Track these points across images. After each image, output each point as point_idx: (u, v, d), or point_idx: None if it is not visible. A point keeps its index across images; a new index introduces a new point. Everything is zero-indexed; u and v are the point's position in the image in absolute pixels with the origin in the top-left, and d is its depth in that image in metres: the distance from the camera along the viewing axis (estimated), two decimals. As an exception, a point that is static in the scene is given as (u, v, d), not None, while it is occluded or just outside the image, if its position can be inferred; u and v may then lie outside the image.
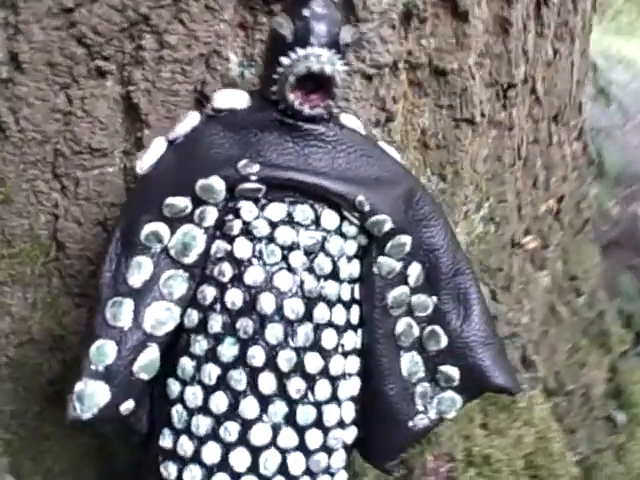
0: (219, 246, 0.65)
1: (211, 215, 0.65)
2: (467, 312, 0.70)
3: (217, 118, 0.67)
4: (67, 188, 0.84)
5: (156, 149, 0.68)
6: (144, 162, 0.68)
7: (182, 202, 0.64)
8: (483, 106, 0.92)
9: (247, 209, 0.65)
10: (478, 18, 0.90)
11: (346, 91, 0.81)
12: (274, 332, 0.64)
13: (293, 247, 0.65)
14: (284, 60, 0.63)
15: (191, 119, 0.68)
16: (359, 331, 0.69)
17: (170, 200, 0.64)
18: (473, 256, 0.95)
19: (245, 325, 0.64)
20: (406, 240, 0.67)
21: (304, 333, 0.65)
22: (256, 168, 0.64)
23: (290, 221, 0.65)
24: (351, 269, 0.68)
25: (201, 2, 0.79)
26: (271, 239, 0.65)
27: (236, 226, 0.65)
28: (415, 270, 0.69)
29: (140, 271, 0.65)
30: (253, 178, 0.64)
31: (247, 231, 0.65)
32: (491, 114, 0.95)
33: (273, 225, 0.65)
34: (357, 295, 0.69)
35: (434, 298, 0.70)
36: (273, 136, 0.66)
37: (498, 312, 0.94)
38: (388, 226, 0.66)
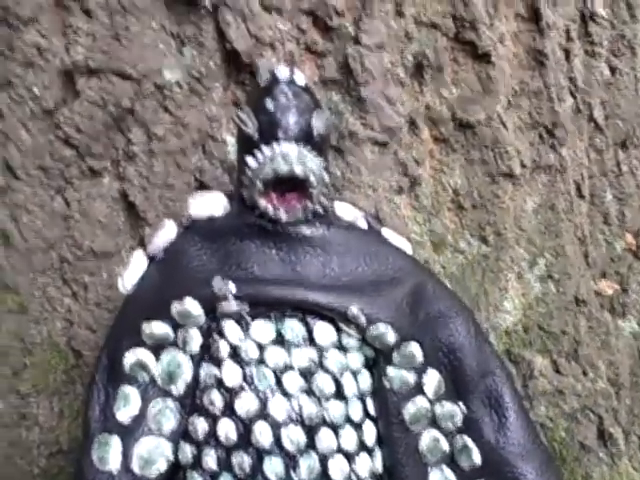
0: (207, 371, 0.58)
1: (195, 340, 0.58)
2: (501, 419, 0.60)
3: (194, 228, 0.61)
4: (77, 294, 0.80)
5: (137, 266, 0.62)
6: (126, 281, 0.62)
7: (161, 329, 0.58)
8: (522, 155, 0.82)
9: (231, 329, 0.58)
10: (503, 57, 0.80)
11: (336, 183, 0.73)
12: (273, 467, 0.56)
13: (286, 369, 0.57)
14: (250, 162, 0.56)
15: (167, 231, 0.62)
16: (377, 452, 0.60)
17: (148, 327, 0.58)
18: (531, 321, 0.84)
19: (241, 461, 0.57)
20: (415, 348, 0.58)
21: (307, 466, 0.57)
22: (233, 286, 0.57)
23: (280, 340, 0.58)
24: (359, 383, 0.59)
25: (185, 87, 0.73)
26: (261, 361, 0.57)
27: (222, 348, 0.58)
28: (432, 379, 0.59)
29: (128, 404, 0.59)
30: (231, 297, 0.57)
31: (235, 354, 0.58)
32: (536, 160, 0.84)
33: (262, 347, 0.57)
34: (371, 411, 0.60)
35: (462, 405, 0.60)
36: (254, 244, 0.59)
37: (563, 386, 0.83)
38: (391, 337, 0.57)
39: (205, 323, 0.58)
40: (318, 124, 0.57)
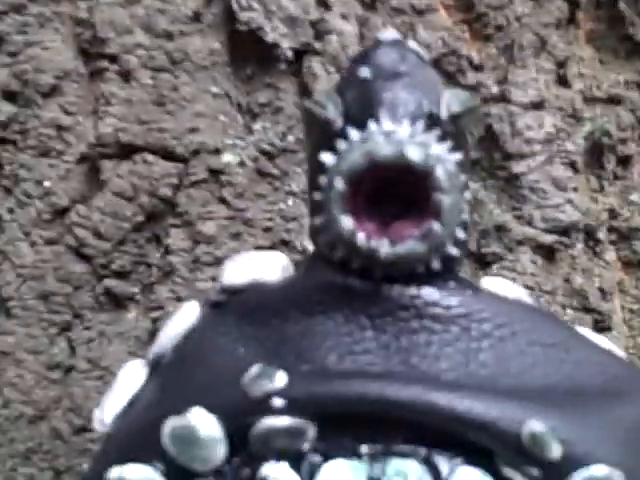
0: None
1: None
2: None
3: (229, 306, 0.34)
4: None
5: (128, 383, 0.35)
6: (107, 410, 0.35)
7: (140, 473, 0.30)
8: None
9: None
10: None
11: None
12: None
13: None
14: (326, 158, 0.31)
15: (183, 316, 0.35)
16: None
17: (117, 473, 0.30)
18: None
19: None
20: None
21: None
22: (283, 378, 0.29)
23: (378, 504, 0.28)
24: None
25: (250, 169, 0.50)
26: None
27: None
28: None
29: None
30: (278, 403, 0.28)
31: (285, 535, 0.28)
32: None
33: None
34: None
35: None
36: (332, 321, 0.31)
37: None
38: None
39: (229, 465, 0.29)
40: (449, 103, 0.32)
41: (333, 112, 0.32)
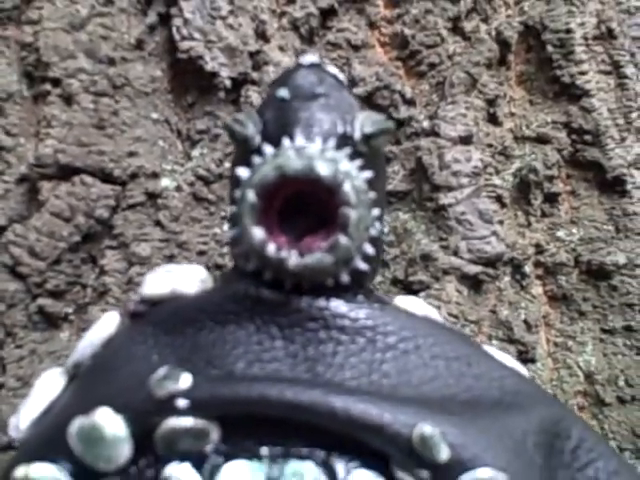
0: None
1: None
2: None
3: (148, 316, 0.35)
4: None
5: (44, 392, 0.35)
6: (22, 418, 0.35)
7: (43, 473, 0.30)
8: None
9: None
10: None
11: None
12: None
13: None
14: (242, 172, 0.32)
15: (102, 326, 0.36)
16: None
17: (20, 472, 0.30)
18: None
19: None
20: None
21: None
22: (187, 379, 0.29)
23: (276, 506, 0.28)
24: None
25: (186, 193, 0.51)
26: None
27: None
28: None
29: None
30: (182, 403, 0.29)
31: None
32: None
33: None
34: None
35: None
36: (244, 331, 0.32)
37: None
38: None
39: (134, 466, 0.30)
40: (363, 124, 0.33)
41: (252, 130, 0.33)
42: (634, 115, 0.56)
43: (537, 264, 0.55)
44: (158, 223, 0.51)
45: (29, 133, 0.54)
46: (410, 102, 0.52)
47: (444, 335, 0.33)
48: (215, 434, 0.29)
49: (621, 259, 0.53)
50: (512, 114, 0.57)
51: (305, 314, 0.32)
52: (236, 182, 0.32)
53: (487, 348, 0.36)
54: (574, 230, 0.55)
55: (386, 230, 0.43)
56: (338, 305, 0.32)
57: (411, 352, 0.32)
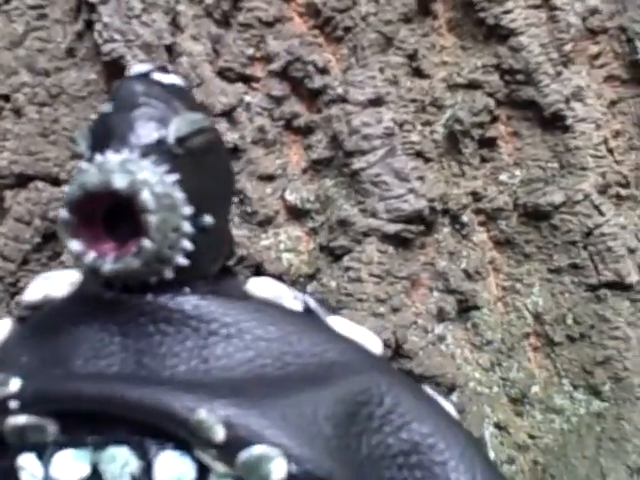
0: None
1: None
2: None
3: (27, 320, 0.39)
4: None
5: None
6: None
7: None
8: (639, 253, 0.53)
9: (28, 467, 0.33)
10: (590, 119, 0.54)
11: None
12: None
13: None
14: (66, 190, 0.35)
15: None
16: None
17: None
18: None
19: None
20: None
21: None
22: (17, 384, 0.33)
23: (97, 482, 0.32)
24: None
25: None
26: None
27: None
28: None
29: None
30: (14, 404, 0.33)
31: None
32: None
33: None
34: None
35: None
36: (92, 329, 0.36)
37: None
38: (280, 472, 0.30)
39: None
40: (177, 127, 0.35)
41: (83, 146, 0.36)
42: (568, 47, 0.55)
43: (478, 211, 0.55)
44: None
45: (-8, 148, 0.59)
46: (323, 71, 0.53)
47: (268, 317, 0.36)
48: (52, 427, 0.33)
49: (557, 198, 0.52)
50: (444, 63, 0.56)
51: (137, 310, 0.35)
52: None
53: (335, 322, 0.38)
54: (517, 172, 0.55)
55: (230, 218, 0.45)
56: (164, 299, 0.35)
57: (233, 336, 0.34)
